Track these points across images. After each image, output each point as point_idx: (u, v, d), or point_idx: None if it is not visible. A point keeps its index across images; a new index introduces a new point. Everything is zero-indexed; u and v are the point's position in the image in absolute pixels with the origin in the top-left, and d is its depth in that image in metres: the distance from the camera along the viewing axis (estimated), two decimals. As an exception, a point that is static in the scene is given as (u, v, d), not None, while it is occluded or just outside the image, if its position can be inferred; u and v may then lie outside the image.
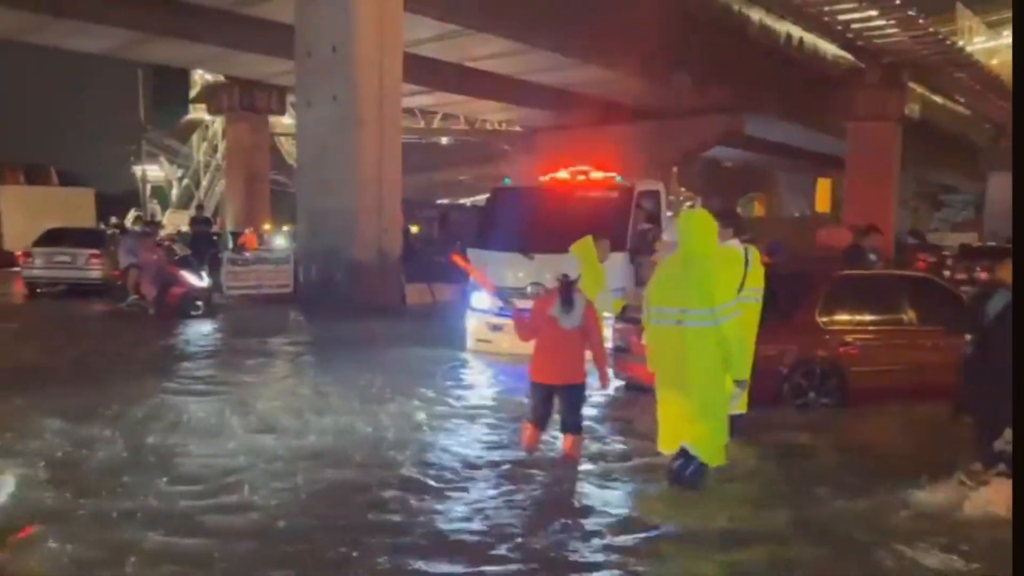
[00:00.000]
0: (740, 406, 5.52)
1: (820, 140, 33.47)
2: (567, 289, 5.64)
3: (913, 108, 29.32)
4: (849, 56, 27.18)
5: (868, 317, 7.61)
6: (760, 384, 5.68)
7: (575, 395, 5.70)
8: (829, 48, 26.78)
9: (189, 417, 6.63)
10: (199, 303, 13.40)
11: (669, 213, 11.61)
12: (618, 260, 9.33)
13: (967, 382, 5.55)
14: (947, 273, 23.06)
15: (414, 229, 16.61)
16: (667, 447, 5.26)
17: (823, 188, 26.01)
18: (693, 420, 5.10)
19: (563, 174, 10.55)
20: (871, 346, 7.35)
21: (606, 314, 7.78)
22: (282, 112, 28.86)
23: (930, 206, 52.43)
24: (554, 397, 5.70)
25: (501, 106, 29.01)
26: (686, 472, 5.10)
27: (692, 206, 46.67)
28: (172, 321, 12.56)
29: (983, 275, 24.37)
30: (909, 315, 7.75)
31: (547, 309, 5.65)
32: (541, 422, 5.79)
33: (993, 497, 4.72)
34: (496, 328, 9.67)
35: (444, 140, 39.23)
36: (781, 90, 26.44)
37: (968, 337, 5.57)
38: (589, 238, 7.75)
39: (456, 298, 11.59)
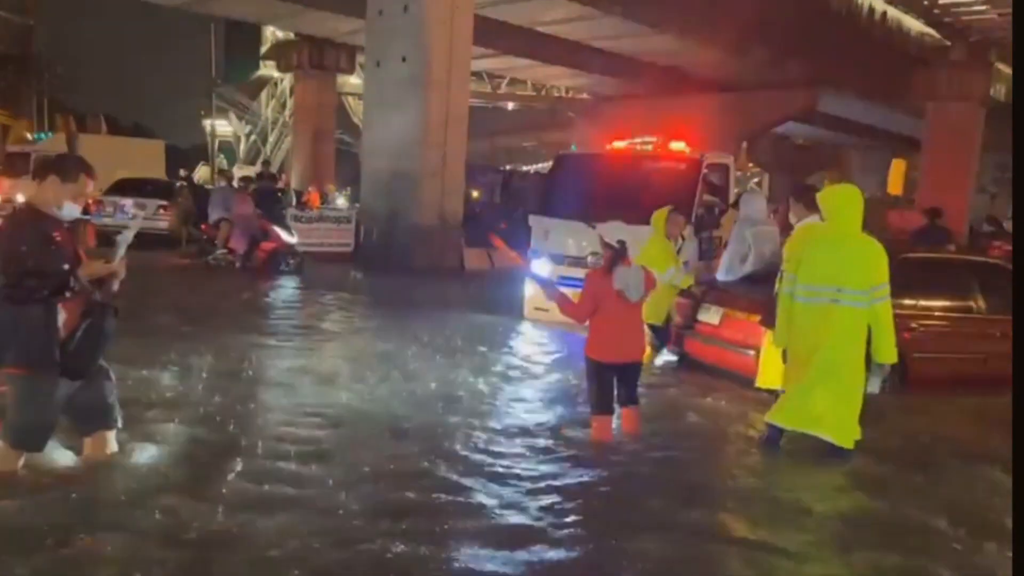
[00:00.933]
0: (873, 387, 5.42)
1: (896, 120, 32.38)
2: (619, 259, 5.34)
3: (999, 89, 28.10)
4: (934, 33, 26.13)
5: (932, 302, 7.37)
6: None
7: (639, 370, 5.58)
8: (914, 24, 25.78)
9: (258, 373, 6.71)
10: (290, 259, 13.35)
11: (736, 189, 11.38)
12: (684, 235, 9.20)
13: None
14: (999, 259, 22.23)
15: (475, 194, 16.58)
16: (786, 422, 5.31)
17: (897, 169, 25.05)
18: (831, 402, 5.15)
19: (630, 142, 10.39)
20: (934, 332, 7.12)
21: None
22: (351, 71, 28.94)
23: (1009, 193, 50.48)
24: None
25: (568, 72, 28.61)
26: (832, 451, 5.18)
27: (759, 182, 45.79)
28: (257, 276, 12.62)
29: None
30: (976, 302, 7.54)
31: (608, 284, 5.30)
32: (610, 407, 5.43)
33: None
34: (554, 297, 9.61)
35: (510, 105, 38.95)
36: (860, 67, 25.55)
37: None
38: (664, 210, 7.63)
39: (516, 264, 11.56)
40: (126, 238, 4.24)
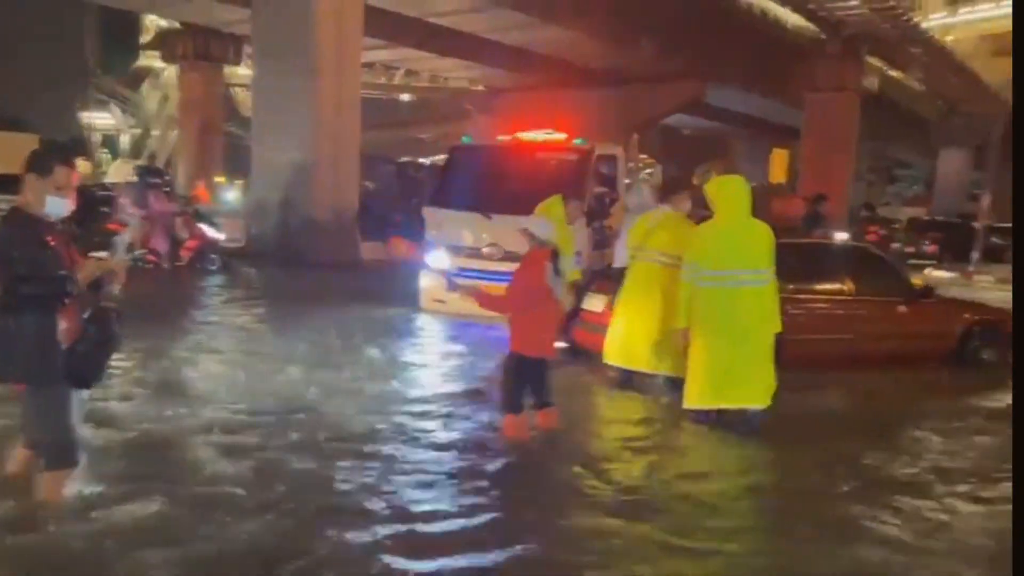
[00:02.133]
0: None
1: (778, 111, 33.67)
2: (556, 255, 5.25)
3: (871, 81, 29.61)
4: (811, 26, 27.30)
5: (804, 286, 7.64)
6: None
7: (549, 365, 5.50)
8: (791, 18, 26.87)
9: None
10: (214, 257, 12.83)
11: (627, 180, 11.65)
12: (576, 224, 9.37)
13: None
14: (896, 245, 23.58)
15: (371, 185, 16.42)
16: (710, 402, 5.67)
17: (779, 158, 26.13)
18: (750, 372, 5.58)
19: (523, 134, 10.50)
20: (806, 315, 7.40)
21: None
22: (238, 62, 28.18)
23: (884, 180, 53.30)
24: None
25: (464, 64, 28.64)
26: (751, 423, 5.63)
27: (651, 173, 46.89)
28: (180, 276, 12.07)
29: (930, 248, 25.04)
30: (846, 284, 7.93)
31: (544, 278, 5.17)
32: (522, 405, 5.33)
33: None
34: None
35: (406, 97, 38.70)
36: (743, 60, 26.49)
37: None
38: (558, 197, 7.73)
39: (413, 256, 11.52)
40: (124, 238, 4.03)
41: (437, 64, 30.21)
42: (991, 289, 15.90)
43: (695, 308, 5.64)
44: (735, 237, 5.61)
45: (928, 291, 8.73)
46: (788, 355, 5.94)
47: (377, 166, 18.04)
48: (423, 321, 9.58)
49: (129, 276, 3.89)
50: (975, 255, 20.15)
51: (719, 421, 5.70)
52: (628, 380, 6.66)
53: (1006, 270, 19.88)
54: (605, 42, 23.54)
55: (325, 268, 13.05)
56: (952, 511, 4.52)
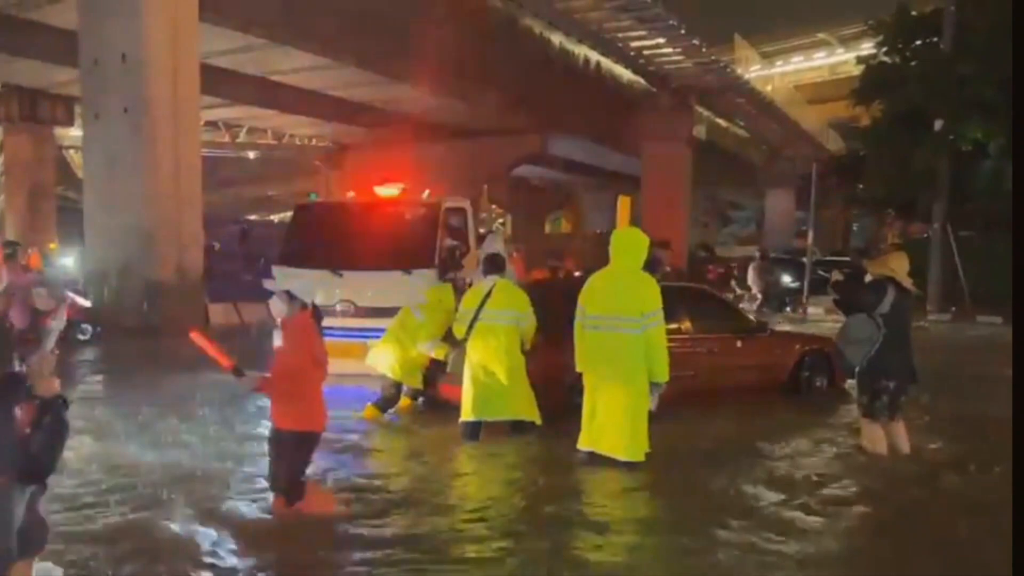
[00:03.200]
0: (652, 404, 5.99)
1: (620, 160, 35.27)
2: (318, 312, 5.06)
3: (700, 130, 31.64)
4: (642, 80, 28.94)
5: None
6: (550, 393, 6.39)
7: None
8: (624, 72, 28.41)
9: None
10: (86, 326, 12.04)
11: (483, 230, 11.90)
12: (426, 276, 9.49)
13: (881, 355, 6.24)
14: (733, 282, 24.99)
15: (216, 246, 15.95)
16: (587, 445, 5.94)
17: (623, 205, 27.13)
18: (621, 421, 5.76)
19: (371, 191, 10.58)
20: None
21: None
22: (69, 123, 26.81)
23: (719, 221, 56.51)
24: None
25: (309, 121, 28.48)
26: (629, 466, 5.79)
27: (502, 224, 47.79)
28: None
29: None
30: (684, 324, 8.26)
31: (312, 343, 4.90)
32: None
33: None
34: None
35: (252, 154, 37.91)
36: (584, 112, 27.69)
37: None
38: (448, 286, 8.01)
39: (264, 317, 11.25)
40: (58, 325, 3.74)
41: (281, 121, 29.89)
42: (823, 320, 17.09)
43: (580, 351, 5.96)
44: (618, 284, 5.92)
45: (763, 326, 9.36)
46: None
47: (222, 226, 17.55)
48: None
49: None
50: (805, 287, 21.65)
51: (591, 460, 5.94)
52: (474, 431, 6.85)
53: (831, 301, 21.48)
54: (451, 99, 24.05)
55: (170, 333, 12.52)
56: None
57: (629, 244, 6.06)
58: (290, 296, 4.87)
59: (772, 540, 4.67)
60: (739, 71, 30.48)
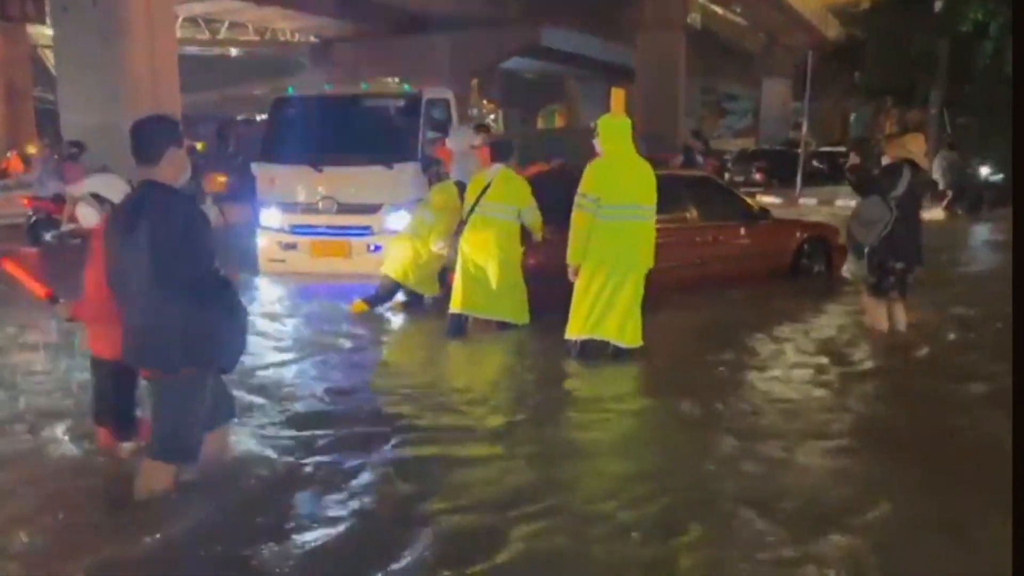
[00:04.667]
0: None
1: (614, 51, 34.41)
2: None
3: (695, 17, 30.68)
4: (635, -37, 27.93)
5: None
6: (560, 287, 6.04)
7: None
8: (617, -43, 27.36)
9: None
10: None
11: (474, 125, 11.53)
12: (410, 170, 9.28)
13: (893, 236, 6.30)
14: (727, 175, 24.75)
15: (199, 146, 15.61)
16: (583, 332, 5.83)
17: (617, 98, 26.58)
18: (626, 308, 5.75)
19: (350, 82, 10.25)
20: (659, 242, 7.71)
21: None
22: (40, 20, 25.88)
23: (715, 114, 55.59)
24: None
25: (290, 14, 27.55)
26: (624, 354, 5.81)
27: (494, 118, 46.97)
28: None
29: (758, 175, 26.43)
30: (691, 212, 8.28)
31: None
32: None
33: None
34: (289, 247, 9.40)
35: (234, 52, 36.92)
36: (576, 1, 26.80)
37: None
38: (451, 183, 7.64)
39: (247, 217, 11.08)
40: None
41: (260, 15, 28.92)
42: (815, 211, 16.97)
43: (593, 242, 5.75)
44: (630, 173, 5.80)
45: (765, 213, 9.33)
46: (647, 281, 6.09)
47: (202, 125, 17.15)
48: (262, 284, 9.25)
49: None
50: (799, 179, 21.41)
51: (582, 352, 5.88)
52: (459, 327, 6.73)
53: (826, 192, 21.33)
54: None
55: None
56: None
57: (623, 131, 5.90)
58: (100, 200, 3.99)
59: (751, 412, 4.87)
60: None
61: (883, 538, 3.35)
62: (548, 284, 6.29)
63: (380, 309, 7.71)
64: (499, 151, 7.03)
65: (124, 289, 3.37)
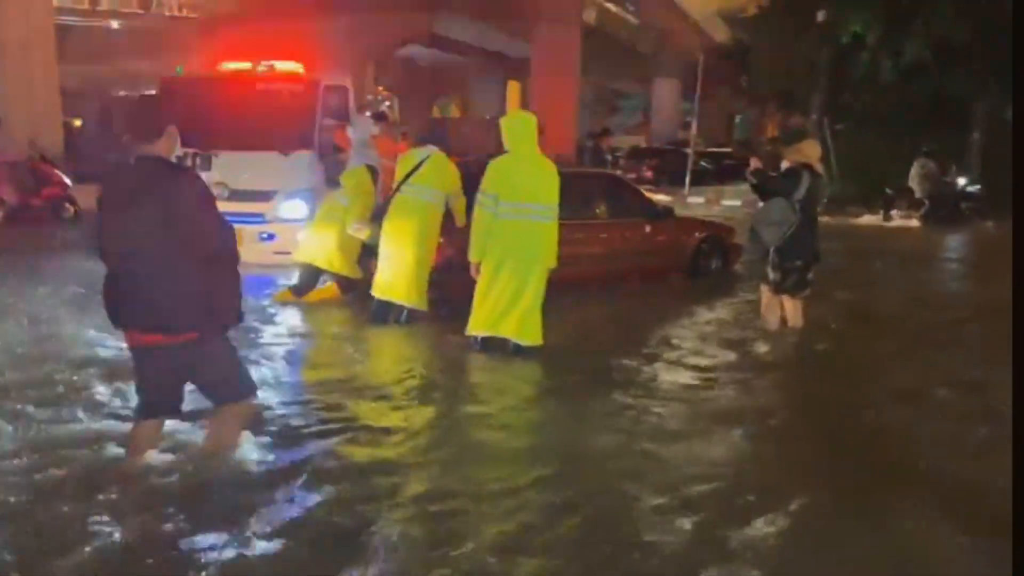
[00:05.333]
0: None
1: (512, 44, 34.48)
2: None
3: (590, 14, 31.12)
4: (531, -43, 28.06)
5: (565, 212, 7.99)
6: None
7: None
8: (514, -51, 27.44)
9: None
10: (69, 205, 11.75)
11: (368, 113, 11.34)
12: (305, 158, 9.10)
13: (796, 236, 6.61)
14: (619, 172, 25.23)
15: (77, 123, 14.79)
16: (483, 329, 5.87)
17: (513, 90, 26.89)
18: (527, 307, 5.76)
19: (244, 64, 9.93)
20: (567, 238, 7.76)
21: None
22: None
23: (607, 110, 56.55)
24: None
25: (176, -12, 26.36)
26: (526, 352, 5.85)
27: (390, 106, 46.38)
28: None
29: (648, 173, 27.07)
30: (600, 209, 8.57)
31: None
32: None
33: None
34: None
35: (115, 24, 35.07)
36: (472, -11, 26.74)
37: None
38: (364, 167, 7.54)
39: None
40: None
41: (146, -13, 27.57)
42: (703, 209, 17.54)
43: (492, 239, 5.76)
44: (530, 171, 5.81)
45: (668, 211, 9.68)
46: (556, 276, 6.16)
47: (83, 101, 16.25)
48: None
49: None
50: (687, 178, 22.04)
51: (484, 347, 5.93)
52: (384, 313, 6.71)
53: (713, 191, 22.09)
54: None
55: (25, 215, 11.74)
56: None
57: (526, 129, 5.92)
58: None
59: (654, 406, 5.04)
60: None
61: (790, 527, 3.50)
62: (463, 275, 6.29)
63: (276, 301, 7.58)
64: (432, 135, 7.04)
65: (136, 261, 3.47)
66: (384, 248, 6.67)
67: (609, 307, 7.84)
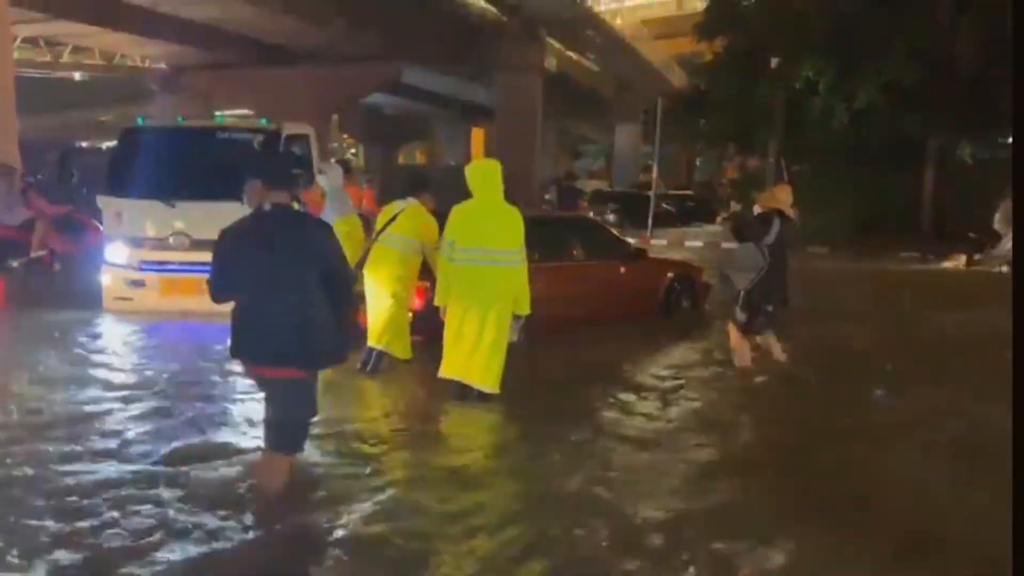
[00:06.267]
0: (514, 336, 6.07)
1: (473, 91, 34.94)
2: None
3: (551, 62, 31.68)
4: (493, 9, 28.57)
5: (541, 257, 7.71)
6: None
7: None
8: (475, 0, 27.96)
9: None
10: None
11: (334, 160, 11.43)
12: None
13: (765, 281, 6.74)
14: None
15: (40, 177, 14.65)
16: (452, 373, 5.87)
17: (477, 137, 27.23)
18: (486, 351, 5.75)
19: (204, 115, 9.98)
20: (546, 280, 7.50)
21: None
22: None
23: (570, 155, 57.29)
24: None
25: (140, 40, 26.41)
26: (479, 396, 5.83)
27: (354, 153, 46.62)
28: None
29: (612, 216, 27.42)
30: (576, 251, 8.71)
31: None
32: None
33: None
34: (137, 284, 9.00)
35: (77, 75, 35.01)
36: (435, 39, 27.08)
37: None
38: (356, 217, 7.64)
39: (93, 251, 10.54)
40: None
41: (109, 40, 27.62)
42: (668, 251, 17.74)
43: (450, 284, 5.84)
44: (488, 217, 5.84)
45: (642, 252, 9.90)
46: (536, 318, 6.19)
47: (45, 153, 16.13)
48: (105, 324, 8.76)
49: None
50: (650, 221, 22.34)
51: (460, 393, 5.92)
52: (370, 361, 6.75)
53: (676, 233, 22.41)
54: (295, 19, 22.94)
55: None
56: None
57: (489, 176, 5.97)
58: None
59: (619, 450, 5.08)
60: (589, 3, 30.65)
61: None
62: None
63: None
64: (412, 185, 7.04)
65: (266, 298, 3.90)
66: (367, 296, 6.76)
67: (587, 347, 7.81)
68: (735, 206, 8.25)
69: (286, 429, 4.05)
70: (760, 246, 6.68)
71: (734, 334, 7.06)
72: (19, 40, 26.14)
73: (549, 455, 4.93)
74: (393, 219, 6.71)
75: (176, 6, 22.31)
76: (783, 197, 7.00)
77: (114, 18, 22.95)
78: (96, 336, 8.28)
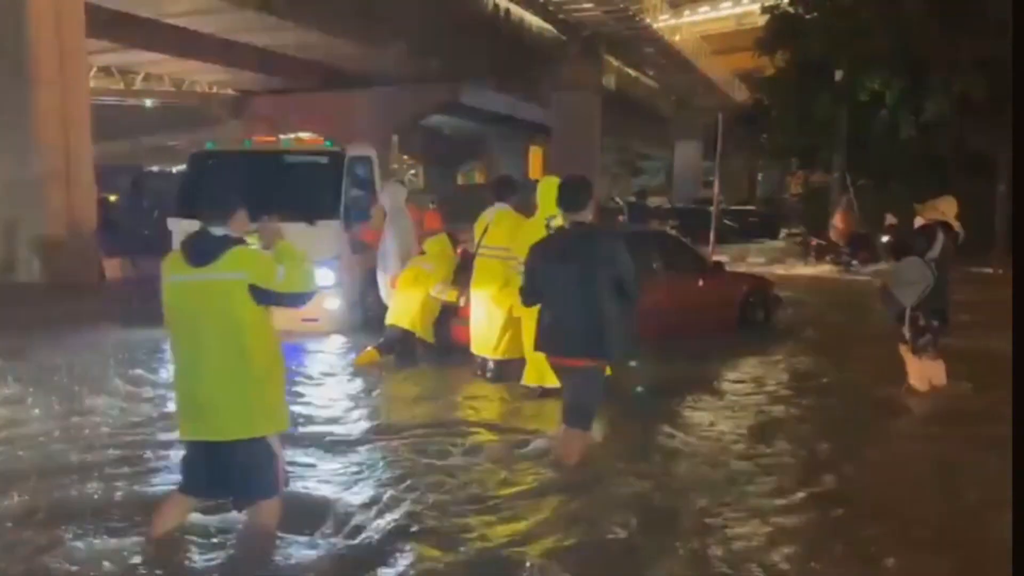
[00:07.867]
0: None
1: (530, 109, 35.16)
2: None
3: (609, 79, 31.67)
4: (552, 28, 28.72)
5: None
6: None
7: None
8: (534, 20, 28.13)
9: None
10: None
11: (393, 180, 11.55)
12: (332, 228, 9.24)
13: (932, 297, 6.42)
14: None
15: (112, 198, 15.18)
16: (541, 381, 6.03)
17: (535, 156, 27.31)
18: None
19: (272, 138, 10.21)
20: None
21: None
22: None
23: (629, 172, 57.09)
24: None
25: (209, 67, 27.28)
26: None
27: (415, 173, 47.18)
28: None
29: (672, 232, 27.05)
30: (658, 264, 8.75)
31: None
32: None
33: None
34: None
35: (149, 102, 36.22)
36: (494, 61, 27.36)
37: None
38: (445, 236, 7.96)
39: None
40: None
41: (180, 67, 28.63)
42: (732, 266, 17.44)
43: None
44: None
45: (719, 266, 10.02)
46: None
47: (118, 176, 16.69)
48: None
49: None
50: (712, 236, 22.04)
51: (544, 395, 6.05)
52: (486, 367, 6.95)
53: (737, 249, 22.08)
54: (356, 44, 23.40)
55: (62, 290, 11.96)
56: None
57: (543, 191, 6.12)
58: None
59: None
60: (648, 20, 30.57)
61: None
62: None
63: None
64: (500, 190, 7.13)
65: (568, 302, 4.63)
66: (473, 308, 6.94)
67: (680, 362, 7.63)
68: (891, 218, 7.79)
69: (581, 409, 4.72)
70: (926, 260, 6.35)
71: (908, 357, 6.64)
72: (94, 69, 27.19)
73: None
74: (485, 230, 6.84)
75: (245, 34, 22.94)
76: (947, 209, 6.62)
77: (185, 47, 23.72)
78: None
